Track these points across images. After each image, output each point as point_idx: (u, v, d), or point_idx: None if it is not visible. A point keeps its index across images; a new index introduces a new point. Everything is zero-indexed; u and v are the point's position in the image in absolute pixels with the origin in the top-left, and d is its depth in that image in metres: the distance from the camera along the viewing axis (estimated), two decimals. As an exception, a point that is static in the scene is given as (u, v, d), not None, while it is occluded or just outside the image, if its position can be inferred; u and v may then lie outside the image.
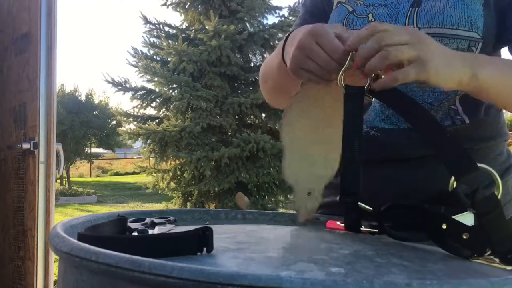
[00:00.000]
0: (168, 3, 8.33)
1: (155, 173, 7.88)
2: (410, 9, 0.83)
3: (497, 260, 0.55)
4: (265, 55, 8.32)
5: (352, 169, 0.64)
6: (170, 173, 7.68)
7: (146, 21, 8.29)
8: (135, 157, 16.83)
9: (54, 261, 2.33)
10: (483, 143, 0.86)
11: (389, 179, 0.83)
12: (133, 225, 0.65)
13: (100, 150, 23.11)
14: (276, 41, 8.09)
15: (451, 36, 0.80)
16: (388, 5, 0.86)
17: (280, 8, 8.34)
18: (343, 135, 0.64)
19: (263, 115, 7.86)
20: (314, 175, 0.68)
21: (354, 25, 0.87)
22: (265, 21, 8.38)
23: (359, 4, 0.89)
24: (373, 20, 0.86)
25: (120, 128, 10.52)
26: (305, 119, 0.70)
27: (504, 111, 0.89)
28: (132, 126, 8.08)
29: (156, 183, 7.88)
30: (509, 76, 0.74)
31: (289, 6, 8.25)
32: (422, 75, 0.61)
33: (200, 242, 0.52)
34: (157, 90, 7.92)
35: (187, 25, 8.54)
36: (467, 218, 0.73)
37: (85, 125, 16.96)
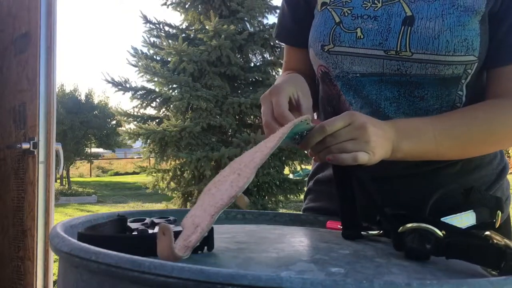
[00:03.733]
0: (168, 3, 8.34)
1: (155, 173, 7.88)
2: (403, 27, 0.76)
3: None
4: (265, 55, 8.33)
5: (349, 206, 0.68)
6: (170, 173, 7.69)
7: (146, 20, 8.30)
8: (135, 157, 16.84)
9: (54, 261, 2.33)
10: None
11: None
12: (133, 225, 0.65)
13: (100, 150, 23.13)
14: (276, 41, 8.10)
15: (447, 63, 0.75)
16: (378, 18, 0.78)
17: (280, 8, 8.33)
18: (336, 180, 0.69)
19: (263, 115, 7.85)
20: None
21: (342, 41, 0.80)
22: (265, 21, 8.39)
23: (346, 14, 0.81)
24: (362, 36, 0.78)
25: (120, 128, 10.53)
26: None
27: None
28: (132, 126, 8.09)
29: (156, 183, 7.88)
30: (440, 141, 0.74)
31: (289, 6, 8.24)
32: (361, 162, 0.66)
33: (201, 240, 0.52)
34: (157, 90, 7.93)
35: (187, 25, 8.54)
36: (469, 217, 0.73)
37: (85, 125, 16.96)
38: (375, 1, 0.80)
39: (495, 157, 0.89)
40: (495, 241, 0.53)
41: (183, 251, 0.46)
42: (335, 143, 0.66)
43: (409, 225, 0.57)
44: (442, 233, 0.55)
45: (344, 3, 0.82)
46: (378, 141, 0.67)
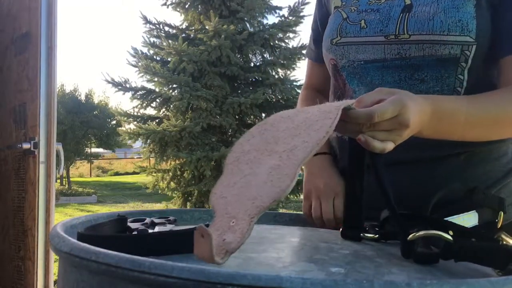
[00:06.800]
0: (168, 3, 8.33)
1: (155, 173, 7.87)
2: (401, 14, 0.84)
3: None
4: (265, 55, 8.32)
5: (355, 205, 0.68)
6: (170, 173, 7.68)
7: (146, 21, 8.29)
8: (135, 157, 16.82)
9: (54, 261, 2.33)
10: (484, 146, 0.84)
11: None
12: (133, 225, 0.65)
13: (100, 150, 23.11)
14: (276, 41, 8.10)
15: (442, 43, 0.80)
16: (380, 10, 0.86)
17: (280, 8, 8.33)
18: (347, 174, 0.70)
19: (263, 115, 7.86)
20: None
21: (347, 33, 0.88)
22: (265, 21, 8.38)
23: (353, 10, 0.90)
24: (365, 26, 0.86)
25: (120, 128, 10.52)
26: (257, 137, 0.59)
27: None
28: (132, 126, 8.09)
29: (156, 183, 7.88)
30: (465, 123, 0.75)
31: (289, 6, 8.24)
32: (387, 151, 0.66)
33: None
34: (157, 90, 7.92)
35: (187, 25, 8.54)
36: (471, 218, 0.73)
37: (85, 125, 16.96)
38: None
39: (505, 155, 0.88)
40: (504, 242, 0.53)
41: (222, 255, 0.45)
42: (373, 130, 0.64)
43: (421, 233, 0.55)
44: (451, 237, 0.54)
45: (352, 3, 0.92)
46: (410, 133, 0.67)
